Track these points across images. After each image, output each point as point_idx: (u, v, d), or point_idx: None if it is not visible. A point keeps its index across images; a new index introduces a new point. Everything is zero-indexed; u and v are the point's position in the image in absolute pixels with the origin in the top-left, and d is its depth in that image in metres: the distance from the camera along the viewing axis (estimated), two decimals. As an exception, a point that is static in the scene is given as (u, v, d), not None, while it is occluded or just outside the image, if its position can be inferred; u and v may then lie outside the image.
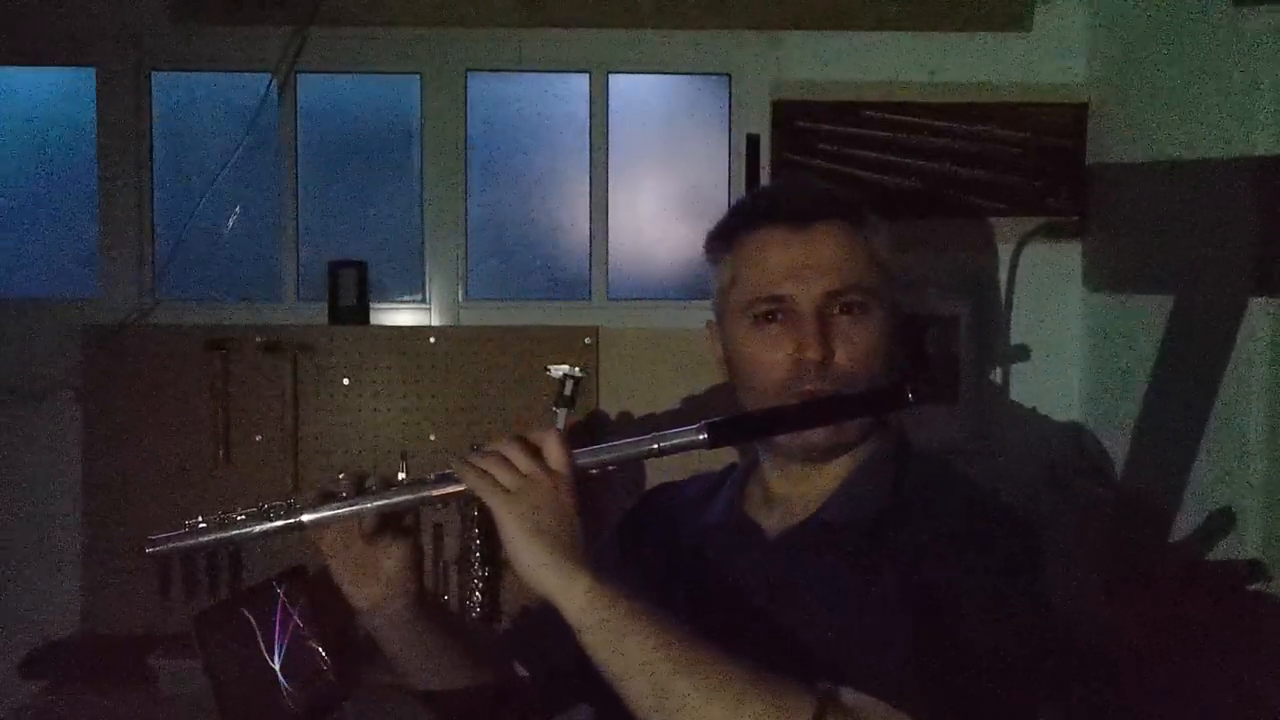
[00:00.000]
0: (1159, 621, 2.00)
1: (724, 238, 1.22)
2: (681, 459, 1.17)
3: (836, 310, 1.14)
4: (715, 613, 1.12)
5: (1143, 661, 2.02)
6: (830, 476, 1.18)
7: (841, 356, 1.13)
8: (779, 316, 1.14)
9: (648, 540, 1.30)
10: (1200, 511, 1.96)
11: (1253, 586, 1.79)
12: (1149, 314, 2.20)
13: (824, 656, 1.02)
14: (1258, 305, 1.85)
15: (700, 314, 2.61)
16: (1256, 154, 1.86)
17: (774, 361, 1.14)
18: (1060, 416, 2.57)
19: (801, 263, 1.14)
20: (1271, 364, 1.82)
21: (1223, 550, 1.90)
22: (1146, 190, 2.30)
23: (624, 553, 1.31)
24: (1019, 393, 2.57)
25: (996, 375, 2.57)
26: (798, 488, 1.20)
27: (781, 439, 1.16)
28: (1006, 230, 2.56)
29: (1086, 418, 2.54)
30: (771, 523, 1.20)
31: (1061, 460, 2.50)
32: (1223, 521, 1.89)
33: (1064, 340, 2.57)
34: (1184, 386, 2.08)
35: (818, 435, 1.13)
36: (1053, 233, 2.55)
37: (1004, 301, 2.54)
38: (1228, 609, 1.82)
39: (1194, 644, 1.89)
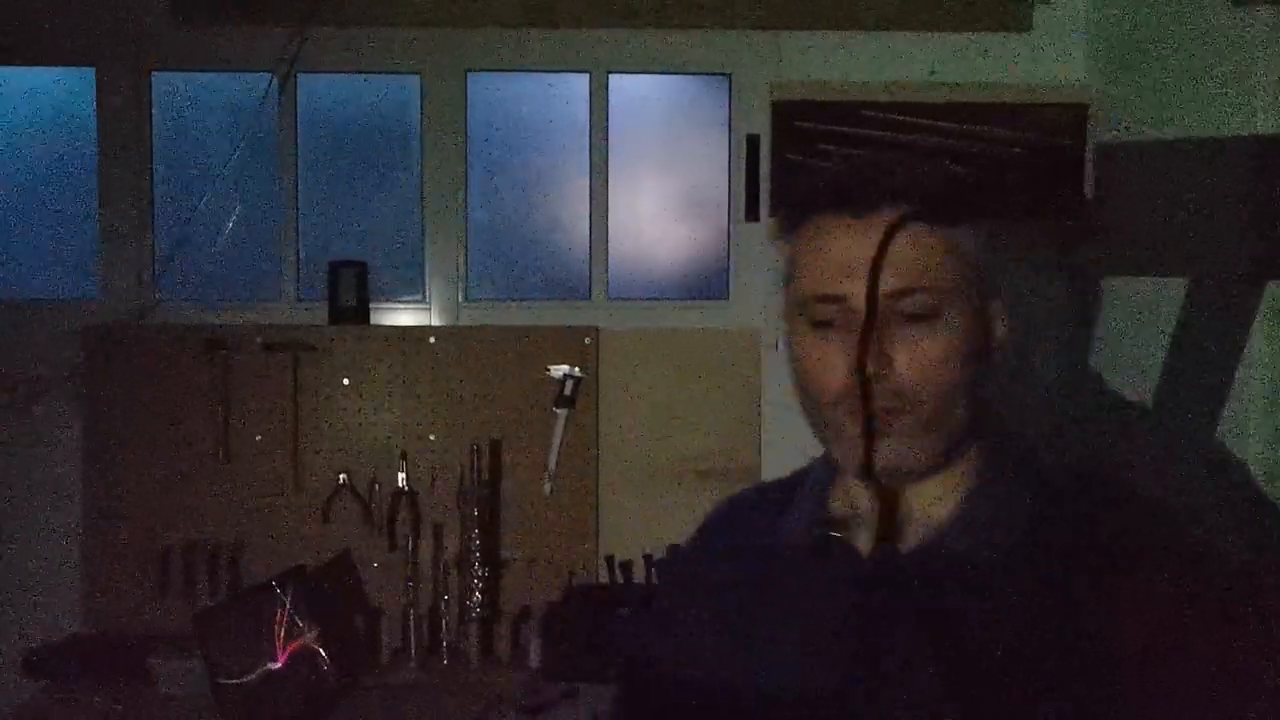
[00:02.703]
0: (1161, 618, 2.00)
1: (787, 220, 1.05)
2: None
3: (902, 315, 0.96)
4: (800, 635, 1.01)
5: (1145, 659, 2.01)
6: (932, 497, 1.01)
7: (904, 369, 0.95)
8: (835, 320, 0.98)
9: (726, 555, 1.16)
10: (1203, 505, 1.96)
11: (1254, 581, 1.78)
12: (1151, 309, 2.20)
13: (931, 693, 0.93)
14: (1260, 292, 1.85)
15: (700, 314, 2.62)
16: (1255, 150, 1.86)
17: (828, 373, 0.98)
18: (1061, 414, 2.57)
19: (861, 256, 0.96)
20: (1271, 353, 1.82)
21: (1224, 545, 1.90)
22: (1147, 184, 2.30)
23: (702, 568, 1.18)
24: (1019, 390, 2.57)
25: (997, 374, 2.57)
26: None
27: (838, 461, 1.03)
28: (1006, 230, 2.56)
29: (1087, 415, 2.53)
30: (864, 543, 1.03)
31: (1063, 458, 2.50)
32: (1226, 515, 1.88)
33: (1064, 339, 2.57)
34: (1186, 380, 2.08)
35: (872, 461, 0.98)
36: (1052, 232, 2.55)
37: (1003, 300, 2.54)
38: (1229, 604, 1.82)
39: (1196, 640, 1.89)
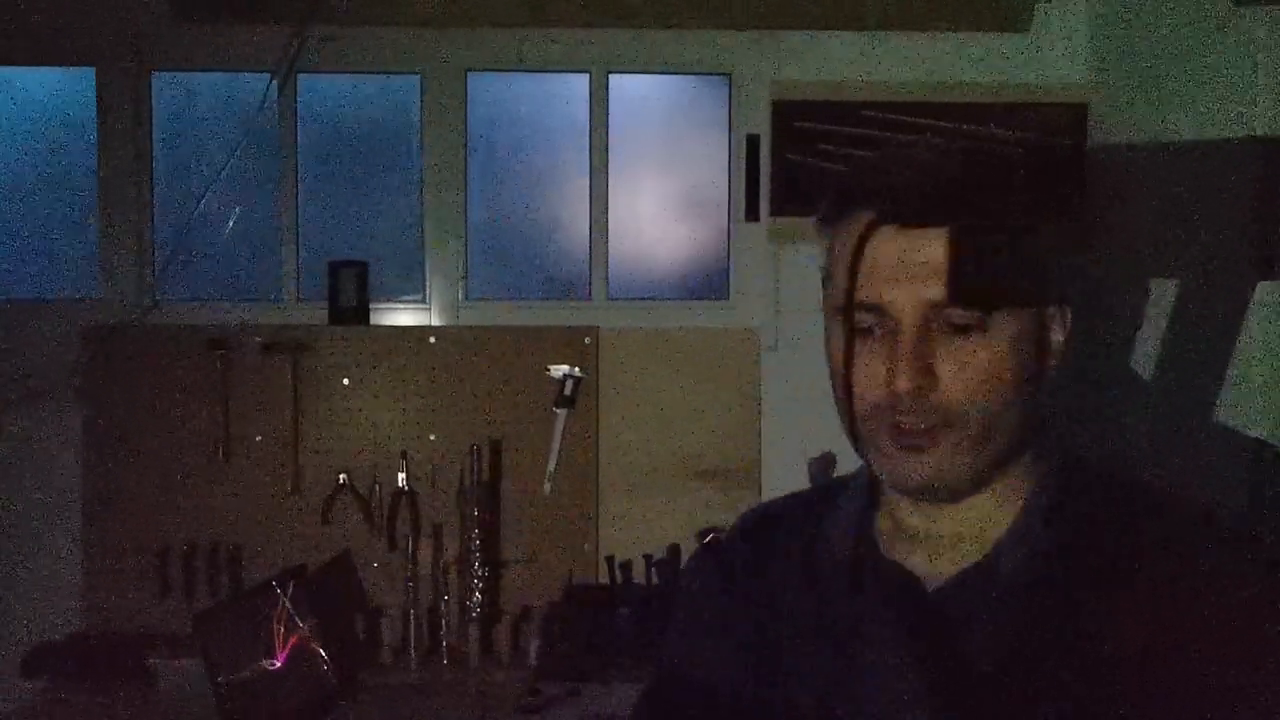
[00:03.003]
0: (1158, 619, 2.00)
1: (831, 211, 0.96)
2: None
3: (949, 326, 0.88)
4: (846, 655, 0.95)
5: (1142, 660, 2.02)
6: (985, 514, 0.94)
7: (948, 385, 0.87)
8: (876, 329, 0.90)
9: (761, 568, 1.07)
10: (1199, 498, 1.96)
11: (1255, 582, 1.78)
12: (1150, 310, 2.20)
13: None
14: (1263, 291, 1.85)
15: (700, 314, 2.62)
16: (1255, 150, 1.86)
17: (864, 383, 0.90)
18: (1061, 414, 2.57)
19: (907, 261, 0.88)
20: (1270, 354, 1.82)
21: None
22: (1147, 185, 2.30)
23: (736, 581, 1.08)
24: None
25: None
26: (941, 524, 0.95)
27: (879, 476, 0.95)
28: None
29: (1087, 414, 2.54)
30: (919, 566, 0.96)
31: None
32: (1224, 514, 1.88)
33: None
34: (1184, 381, 2.08)
35: (909, 478, 0.91)
36: (1052, 232, 2.55)
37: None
38: (1227, 605, 1.82)
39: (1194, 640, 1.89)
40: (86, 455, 2.48)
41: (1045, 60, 2.57)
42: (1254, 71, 1.87)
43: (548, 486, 2.49)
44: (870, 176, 0.95)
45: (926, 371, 0.87)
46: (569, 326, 2.56)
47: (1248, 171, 1.88)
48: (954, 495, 0.93)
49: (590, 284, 2.66)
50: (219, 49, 2.56)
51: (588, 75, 2.63)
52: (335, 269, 2.55)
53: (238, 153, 2.55)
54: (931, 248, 0.88)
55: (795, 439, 2.42)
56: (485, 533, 2.39)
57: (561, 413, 2.50)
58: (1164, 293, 2.16)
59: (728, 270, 2.65)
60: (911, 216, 0.88)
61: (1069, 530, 0.92)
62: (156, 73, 2.59)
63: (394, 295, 2.64)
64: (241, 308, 2.59)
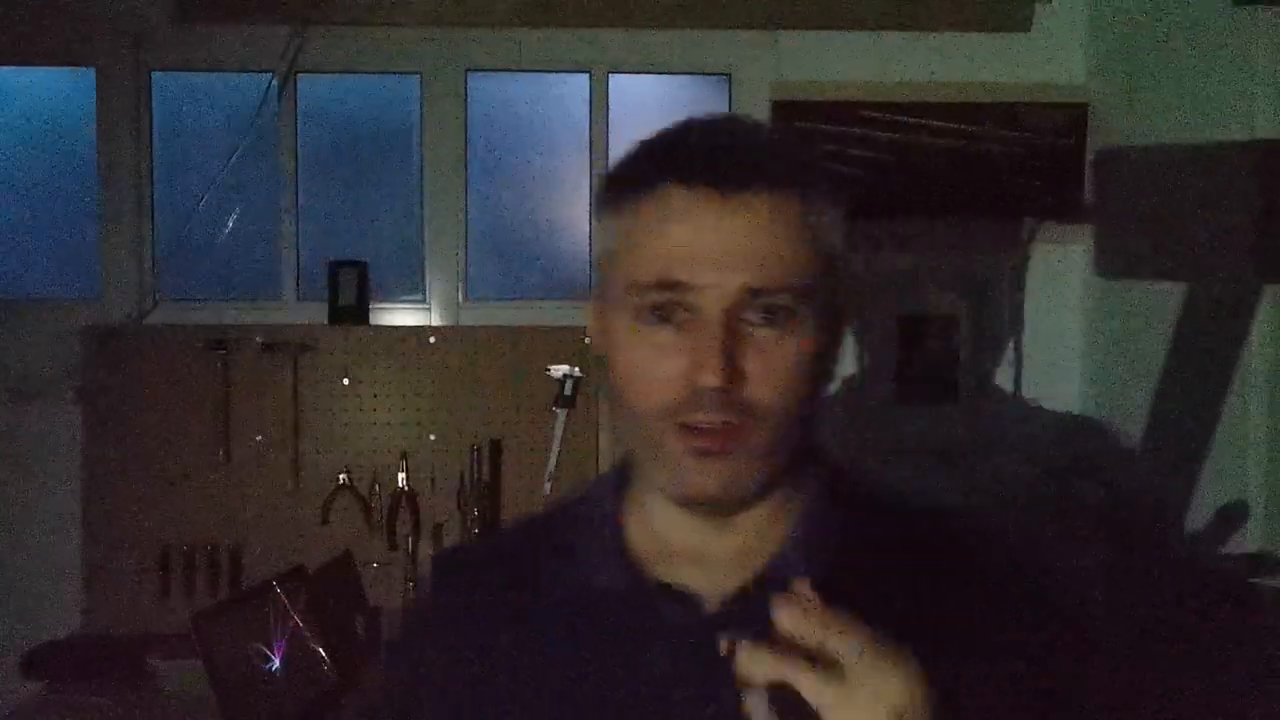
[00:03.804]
0: (1159, 619, 2.00)
1: (620, 186, 0.85)
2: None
3: (756, 315, 0.80)
4: (626, 701, 0.84)
5: (1141, 659, 2.02)
6: (762, 522, 0.86)
7: (754, 381, 0.79)
8: (674, 315, 0.80)
9: (495, 619, 0.91)
10: (1204, 503, 1.96)
11: (1255, 581, 1.79)
12: (1152, 309, 2.20)
13: None
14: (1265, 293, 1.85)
15: (700, 314, 2.63)
16: (1256, 151, 1.86)
17: (660, 378, 0.81)
18: (1061, 415, 2.57)
19: (716, 241, 0.79)
20: (1271, 348, 1.82)
21: (1225, 543, 1.90)
22: (1147, 185, 2.30)
23: (467, 641, 0.92)
24: (1019, 392, 2.57)
25: (996, 375, 2.58)
26: (720, 539, 0.86)
27: (659, 485, 0.85)
28: (1005, 230, 2.56)
29: (1087, 415, 2.54)
30: (698, 585, 0.86)
31: (1060, 458, 2.50)
32: (1231, 514, 1.89)
33: (1064, 338, 2.57)
34: (1188, 379, 2.08)
35: (699, 488, 0.81)
36: (1051, 233, 2.55)
37: (1004, 301, 2.55)
38: (1228, 604, 1.82)
39: (1194, 640, 1.89)
40: (86, 455, 2.48)
41: (1045, 60, 2.57)
42: (1254, 71, 1.87)
43: (548, 486, 2.49)
44: (678, 143, 0.85)
45: (733, 364, 0.79)
46: (569, 326, 2.55)
47: (1248, 172, 1.88)
48: (741, 507, 0.85)
49: (590, 284, 2.66)
50: (219, 49, 2.56)
51: (588, 75, 2.63)
52: (335, 269, 2.55)
53: (238, 153, 2.55)
54: (747, 225, 0.80)
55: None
56: (485, 533, 2.39)
57: (561, 413, 2.50)
58: (1163, 294, 2.16)
59: (728, 270, 2.64)
60: (725, 185, 0.80)
61: (845, 543, 0.86)
62: (156, 73, 2.59)
63: (394, 295, 2.64)
64: (241, 308, 2.59)
